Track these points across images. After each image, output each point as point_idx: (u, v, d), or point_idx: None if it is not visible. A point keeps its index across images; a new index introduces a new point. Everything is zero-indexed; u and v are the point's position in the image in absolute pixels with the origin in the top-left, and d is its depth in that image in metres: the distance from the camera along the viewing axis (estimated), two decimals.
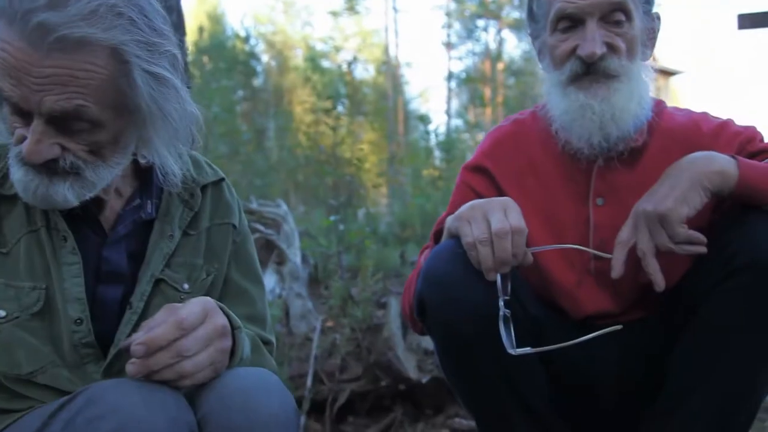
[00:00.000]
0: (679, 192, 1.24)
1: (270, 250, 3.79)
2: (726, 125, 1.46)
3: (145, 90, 1.00)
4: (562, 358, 1.41)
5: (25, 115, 0.98)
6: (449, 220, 1.36)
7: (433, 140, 13.77)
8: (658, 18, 1.49)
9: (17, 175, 1.01)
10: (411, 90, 32.40)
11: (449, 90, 27.63)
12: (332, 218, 3.08)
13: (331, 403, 2.69)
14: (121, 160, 1.08)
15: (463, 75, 25.83)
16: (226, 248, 1.26)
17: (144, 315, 1.12)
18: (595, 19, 1.37)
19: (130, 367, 0.90)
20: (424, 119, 11.92)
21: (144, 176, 1.20)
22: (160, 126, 1.06)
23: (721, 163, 1.25)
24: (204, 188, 1.26)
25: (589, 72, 1.38)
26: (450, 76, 27.20)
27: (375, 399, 2.78)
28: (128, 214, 1.17)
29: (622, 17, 1.38)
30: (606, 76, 1.38)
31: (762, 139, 1.44)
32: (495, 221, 1.24)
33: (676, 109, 1.56)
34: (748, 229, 1.23)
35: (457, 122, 25.41)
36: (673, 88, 31.84)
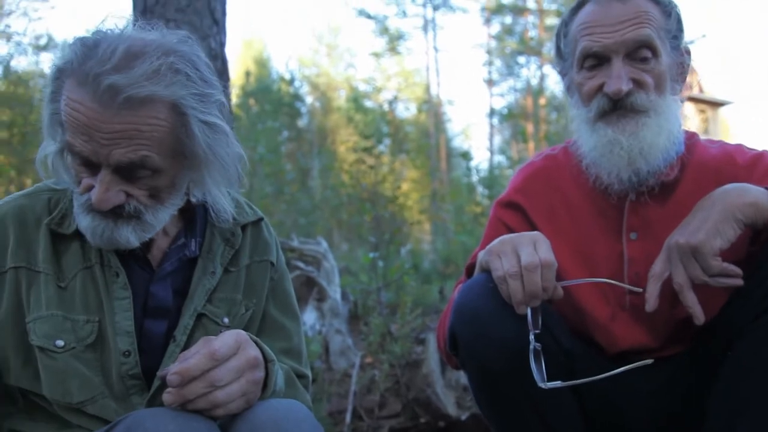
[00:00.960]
0: (711, 224, 1.23)
1: (310, 286, 3.82)
2: (762, 157, 1.45)
3: (201, 138, 1.08)
4: (595, 393, 1.40)
5: (92, 166, 1.06)
6: (481, 254, 1.37)
7: (475, 177, 13.78)
8: (688, 53, 1.49)
9: (84, 222, 1.09)
10: (453, 127, 32.62)
11: (491, 126, 27.69)
12: (371, 255, 3.09)
13: None
14: (176, 202, 1.17)
15: (505, 111, 25.87)
16: (264, 284, 1.31)
17: (187, 348, 1.15)
18: (620, 57, 1.38)
19: (166, 396, 0.94)
20: (466, 156, 11.97)
21: (188, 216, 1.26)
22: (213, 169, 1.14)
23: (755, 195, 1.24)
24: (244, 227, 1.32)
25: (616, 108, 1.39)
26: (492, 113, 27.31)
27: None
28: (174, 252, 1.23)
29: (648, 54, 1.39)
30: (634, 112, 1.39)
31: None
32: (525, 255, 1.25)
33: (710, 141, 1.55)
34: None
35: (499, 158, 25.38)
36: (723, 118, 31.26)
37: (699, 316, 1.26)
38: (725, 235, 1.23)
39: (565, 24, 1.51)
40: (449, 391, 2.71)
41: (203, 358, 0.94)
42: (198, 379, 0.93)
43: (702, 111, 28.97)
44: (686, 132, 1.53)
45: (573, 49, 1.46)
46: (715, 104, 29.68)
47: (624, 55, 1.39)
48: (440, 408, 2.66)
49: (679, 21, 1.45)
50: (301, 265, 3.92)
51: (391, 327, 2.94)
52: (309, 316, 3.55)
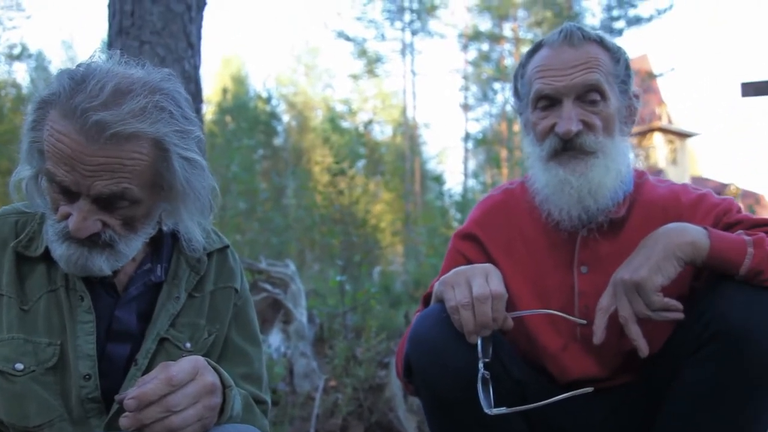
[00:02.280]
0: (653, 262, 1.29)
1: (277, 309, 3.81)
2: (704, 197, 1.51)
3: (180, 172, 1.11)
4: (545, 421, 1.44)
5: (71, 194, 1.08)
6: (436, 285, 1.42)
7: (448, 200, 13.85)
8: (637, 96, 1.56)
9: (59, 250, 1.11)
10: (428, 150, 32.71)
11: (466, 150, 27.87)
12: (339, 278, 3.10)
13: None
14: (148, 231, 1.19)
15: (480, 136, 26.08)
16: (228, 310, 1.33)
17: (148, 371, 1.16)
18: (571, 99, 1.45)
19: (123, 420, 0.95)
20: (439, 180, 12.03)
21: (155, 242, 1.28)
22: (189, 201, 1.17)
23: (693, 235, 1.30)
24: (210, 254, 1.34)
25: (567, 148, 1.46)
26: (467, 137, 27.49)
27: None
28: (140, 277, 1.25)
29: (597, 97, 1.45)
30: (583, 152, 1.45)
31: (738, 210, 1.48)
32: (476, 287, 1.29)
33: (659, 180, 1.61)
34: (720, 299, 1.26)
35: (473, 182, 25.54)
36: (690, 148, 31.90)
37: (643, 348, 1.31)
38: (666, 272, 1.28)
39: (522, 66, 1.57)
40: (411, 415, 2.72)
41: (160, 383, 0.96)
42: (155, 404, 0.95)
43: (671, 141, 29.55)
44: (636, 171, 1.60)
45: (528, 90, 1.53)
46: (683, 135, 30.30)
47: (574, 98, 1.45)
48: None
49: (627, 67, 1.52)
50: (268, 287, 3.92)
51: (356, 350, 2.95)
52: (274, 339, 3.54)
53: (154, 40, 2.74)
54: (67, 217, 1.09)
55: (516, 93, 1.61)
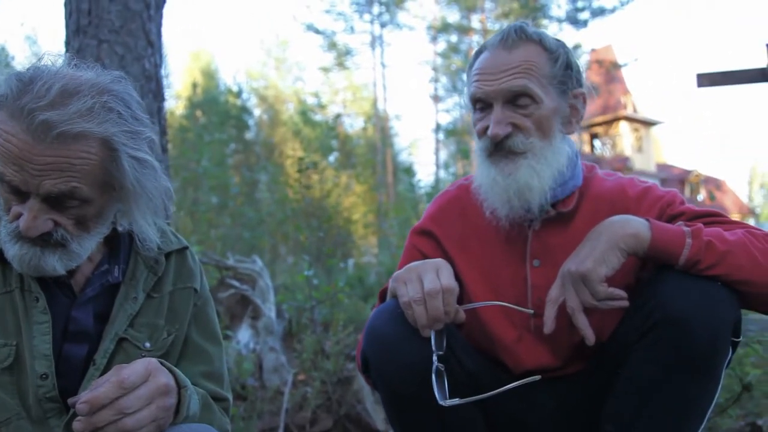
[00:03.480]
0: (598, 253, 1.32)
1: (245, 305, 3.80)
2: (649, 190, 1.54)
3: (130, 172, 1.12)
4: (501, 410, 1.47)
5: (21, 194, 1.08)
6: (390, 281, 1.43)
7: (419, 191, 13.89)
8: (580, 95, 1.56)
9: (12, 250, 1.11)
10: (400, 142, 32.76)
11: (437, 141, 27.94)
12: (306, 273, 3.10)
13: None
14: (102, 230, 1.20)
15: (450, 127, 26.16)
16: (187, 310, 1.34)
17: (106, 372, 1.16)
18: (500, 103, 1.48)
19: (76, 424, 0.96)
20: (409, 172, 12.05)
21: (112, 243, 1.28)
22: (141, 201, 1.18)
23: (636, 227, 1.33)
24: (168, 255, 1.34)
25: (498, 149, 1.49)
26: (438, 128, 27.56)
27: None
28: (97, 278, 1.25)
29: (527, 101, 1.47)
30: (513, 153, 1.48)
31: (682, 202, 1.52)
32: (428, 282, 1.31)
33: (607, 174, 1.64)
34: (661, 288, 1.30)
35: (444, 173, 25.64)
36: (655, 136, 32.38)
37: (590, 337, 1.34)
38: (610, 263, 1.32)
39: (469, 67, 1.59)
40: (379, 407, 2.74)
41: (112, 386, 0.97)
42: (107, 407, 0.96)
43: (636, 129, 29.94)
44: (586, 165, 1.62)
45: (468, 92, 1.56)
46: (648, 123, 30.73)
47: (503, 102, 1.47)
48: (370, 423, 2.69)
49: (567, 66, 1.52)
50: (236, 283, 3.90)
51: (324, 344, 2.96)
52: (243, 334, 3.53)
53: (112, 39, 2.70)
54: (18, 216, 1.09)
55: (466, 93, 1.63)
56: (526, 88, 1.46)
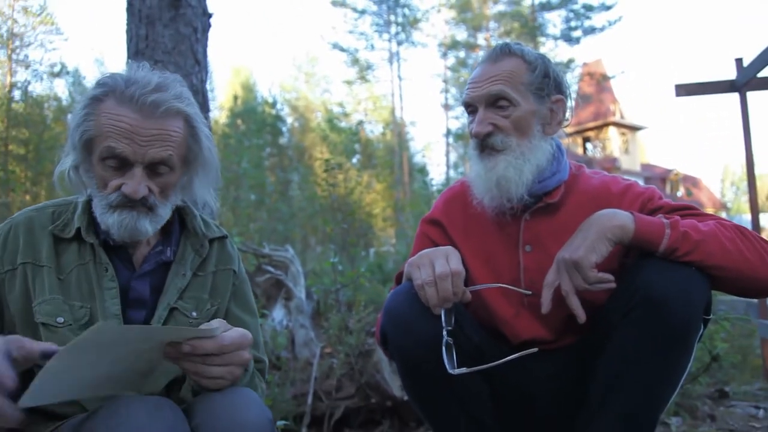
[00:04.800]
0: (589, 243, 1.32)
1: (279, 288, 3.82)
2: (631, 187, 1.54)
3: (205, 142, 1.28)
4: (502, 378, 1.47)
5: (124, 166, 1.19)
6: (405, 266, 1.44)
7: (432, 189, 13.85)
8: (559, 101, 1.54)
9: (111, 219, 1.20)
10: (415, 145, 32.64)
11: (447, 145, 27.85)
12: (332, 260, 3.12)
13: (328, 418, 2.68)
14: (175, 200, 1.29)
15: (460, 132, 26.05)
16: (227, 288, 1.38)
17: None
18: (483, 106, 1.49)
19: (168, 348, 1.02)
20: (422, 171, 12.01)
21: (166, 230, 1.34)
22: (207, 168, 1.31)
23: (621, 219, 1.33)
24: (211, 241, 1.39)
25: (483, 147, 1.50)
26: (448, 133, 27.46)
27: (366, 414, 2.77)
28: (152, 257, 1.30)
29: (506, 103, 1.48)
30: (495, 150, 1.49)
31: (660, 197, 1.51)
32: (438, 266, 1.32)
33: (594, 172, 1.63)
34: (642, 273, 1.29)
35: (454, 173, 25.53)
36: (640, 140, 31.94)
37: (581, 316, 1.34)
38: (599, 251, 1.32)
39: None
40: (395, 376, 2.73)
41: (214, 344, 1.03)
42: (200, 356, 1.02)
43: (623, 134, 29.54)
44: (574, 164, 1.62)
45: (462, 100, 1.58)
46: (634, 128, 30.30)
47: (486, 105, 1.49)
48: (387, 390, 2.70)
49: (545, 76, 1.51)
50: (271, 269, 3.93)
51: (348, 322, 2.97)
52: (278, 313, 3.55)
53: (165, 59, 2.74)
54: (119, 187, 1.18)
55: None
56: (502, 92, 1.48)
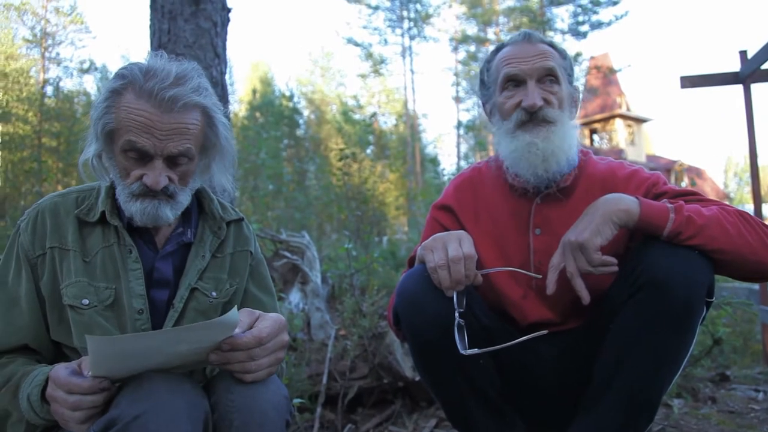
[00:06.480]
0: (594, 226, 1.31)
1: (296, 272, 3.81)
2: (636, 172, 1.52)
3: (222, 131, 1.27)
4: (509, 357, 1.46)
5: (145, 159, 1.18)
6: (419, 249, 1.43)
7: (443, 178, 13.80)
8: (578, 90, 1.59)
9: (134, 207, 1.20)
10: (427, 137, 32.47)
11: (458, 136, 27.69)
12: (347, 246, 3.11)
13: (342, 397, 2.68)
14: (194, 186, 1.28)
15: (470, 124, 25.90)
16: (245, 269, 1.39)
17: (182, 314, 1.25)
18: (534, 80, 1.48)
19: (213, 356, 1.03)
20: (434, 162, 11.97)
21: (186, 213, 1.34)
22: (225, 155, 1.31)
23: (627, 203, 1.31)
24: (228, 224, 1.40)
25: (532, 119, 1.47)
26: (459, 125, 27.30)
27: (379, 394, 2.77)
28: (174, 238, 1.31)
29: (553, 80, 1.49)
30: (546, 122, 1.47)
31: (665, 183, 1.49)
32: (451, 250, 1.31)
33: (601, 158, 1.62)
34: (647, 255, 1.28)
35: (464, 163, 25.40)
36: (645, 132, 31.52)
37: (585, 297, 1.33)
38: (604, 234, 1.30)
39: (488, 62, 1.59)
40: (407, 357, 2.73)
41: (252, 338, 1.04)
42: (242, 351, 1.03)
43: (629, 126, 29.16)
44: (582, 150, 1.60)
45: (496, 77, 1.54)
46: (640, 120, 29.90)
47: (536, 80, 1.48)
48: (399, 371, 2.69)
49: (571, 65, 1.54)
50: (287, 254, 3.92)
51: (361, 305, 2.97)
52: (294, 296, 3.56)
53: (186, 53, 2.74)
54: (140, 178, 1.18)
55: (482, 84, 1.62)
56: (554, 69, 1.49)
